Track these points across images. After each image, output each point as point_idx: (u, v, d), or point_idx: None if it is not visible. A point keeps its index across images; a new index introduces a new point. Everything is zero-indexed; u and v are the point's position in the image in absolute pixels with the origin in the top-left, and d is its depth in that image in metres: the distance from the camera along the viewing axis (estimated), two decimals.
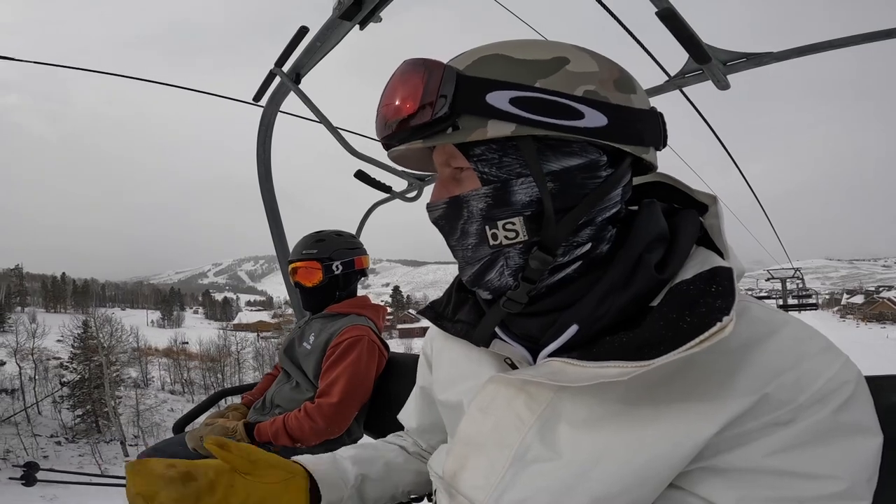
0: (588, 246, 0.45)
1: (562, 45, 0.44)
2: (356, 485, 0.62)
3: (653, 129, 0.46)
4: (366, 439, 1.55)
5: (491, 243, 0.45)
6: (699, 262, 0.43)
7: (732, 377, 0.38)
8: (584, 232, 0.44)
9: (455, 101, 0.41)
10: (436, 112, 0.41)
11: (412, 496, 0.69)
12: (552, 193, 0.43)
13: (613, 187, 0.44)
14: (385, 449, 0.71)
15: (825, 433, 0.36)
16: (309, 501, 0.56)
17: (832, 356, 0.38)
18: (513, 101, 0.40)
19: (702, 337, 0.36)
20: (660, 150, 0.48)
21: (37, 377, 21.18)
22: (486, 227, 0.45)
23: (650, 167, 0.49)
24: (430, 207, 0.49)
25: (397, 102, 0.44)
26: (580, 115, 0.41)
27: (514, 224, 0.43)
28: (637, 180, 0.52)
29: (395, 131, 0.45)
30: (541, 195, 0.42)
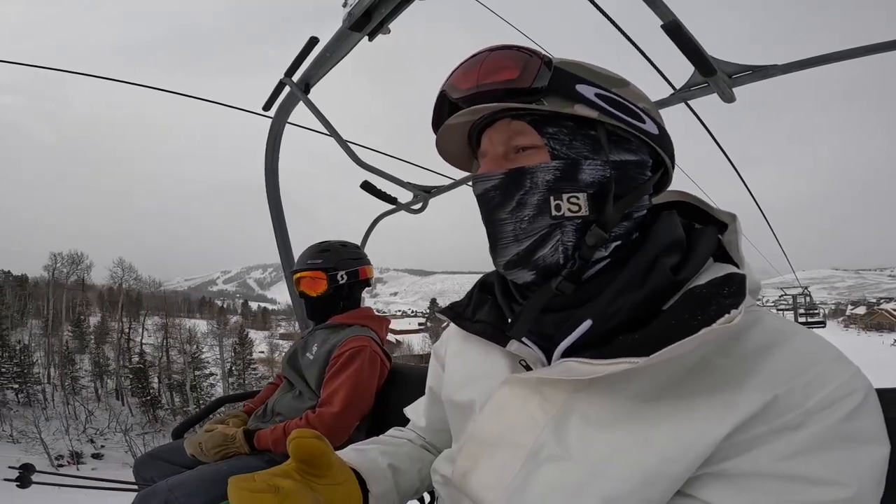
0: (620, 242, 0.49)
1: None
2: (391, 476, 0.61)
3: (672, 152, 0.53)
4: None
5: (553, 214, 0.47)
6: (714, 271, 0.46)
7: (744, 380, 0.39)
8: (623, 224, 0.49)
9: (550, 82, 0.47)
10: (534, 83, 0.46)
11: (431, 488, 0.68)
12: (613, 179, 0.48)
13: (649, 190, 0.51)
14: (399, 442, 0.71)
15: (833, 439, 0.36)
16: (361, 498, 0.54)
17: (843, 365, 0.39)
18: (597, 96, 0.47)
19: (706, 329, 0.36)
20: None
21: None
22: (551, 198, 0.47)
23: (664, 185, 0.55)
24: (480, 178, 0.50)
25: (499, 66, 0.48)
26: (643, 120, 0.49)
27: (578, 199, 0.47)
28: (659, 198, 0.57)
29: (486, 91, 0.48)
30: (606, 177, 0.47)
